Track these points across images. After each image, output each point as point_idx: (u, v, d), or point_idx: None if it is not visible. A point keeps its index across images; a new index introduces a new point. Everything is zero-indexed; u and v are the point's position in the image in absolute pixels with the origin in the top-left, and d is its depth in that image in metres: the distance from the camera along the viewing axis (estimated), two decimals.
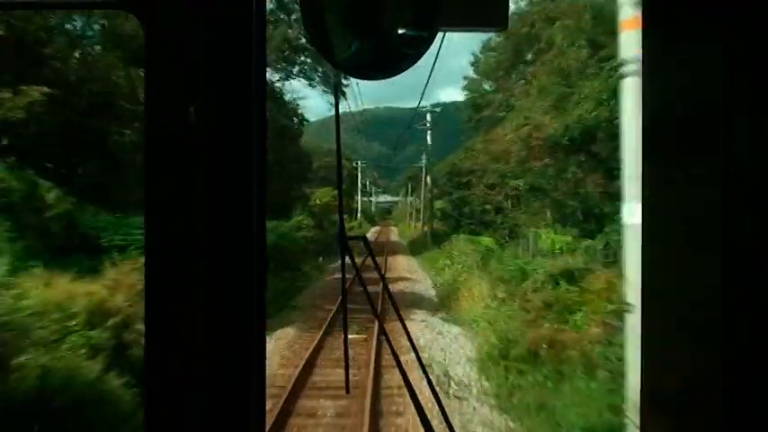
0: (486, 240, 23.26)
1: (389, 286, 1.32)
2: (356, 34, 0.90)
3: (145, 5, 0.89)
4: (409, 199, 60.96)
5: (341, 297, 1.10)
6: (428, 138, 34.37)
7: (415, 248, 31.17)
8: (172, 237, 0.89)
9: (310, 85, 27.31)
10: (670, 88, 0.93)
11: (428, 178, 33.88)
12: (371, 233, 52.26)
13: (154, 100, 0.90)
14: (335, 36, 0.89)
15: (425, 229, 36.24)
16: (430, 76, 16.43)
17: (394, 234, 54.42)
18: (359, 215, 59.50)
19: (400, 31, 0.90)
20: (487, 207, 28.42)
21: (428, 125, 34.15)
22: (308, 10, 0.90)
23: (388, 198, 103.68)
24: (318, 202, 32.06)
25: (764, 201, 0.80)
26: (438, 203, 35.29)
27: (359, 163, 64.13)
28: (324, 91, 27.74)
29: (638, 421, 0.93)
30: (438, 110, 34.72)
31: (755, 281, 0.80)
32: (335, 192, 32.46)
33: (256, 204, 0.90)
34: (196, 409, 0.88)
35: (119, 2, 1.02)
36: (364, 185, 77.40)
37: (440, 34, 0.96)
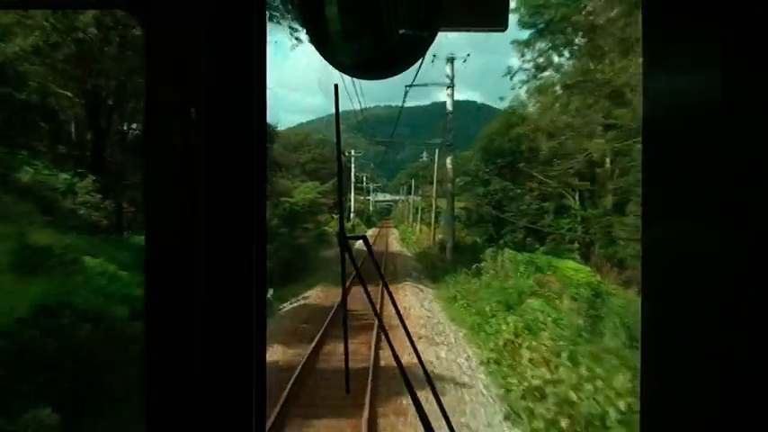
0: (578, 270, 11.70)
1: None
2: (356, 34, 0.93)
3: (145, 5, 0.93)
4: (412, 197, 50.86)
5: (341, 297, 1.13)
6: (448, 103, 22.34)
7: (430, 268, 19.79)
8: (172, 237, 0.92)
9: (271, 18, 16.53)
10: (670, 88, 0.95)
11: (448, 161, 21.90)
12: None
13: (154, 100, 0.93)
14: (336, 36, 0.94)
15: (440, 236, 26.80)
16: (418, 71, 14.60)
17: (395, 239, 46.53)
18: (352, 215, 50.42)
19: (400, 31, 0.93)
20: (546, 204, 16.67)
21: (451, 80, 21.71)
22: (308, 9, 0.94)
23: (388, 197, 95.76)
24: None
25: (765, 201, 0.82)
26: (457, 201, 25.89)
27: (353, 152, 54.75)
28: (291, 30, 18.51)
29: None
30: (466, 57, 22.68)
31: (756, 281, 0.81)
32: (323, 187, 29.90)
33: (256, 205, 0.94)
34: (197, 408, 0.92)
35: (119, 2, 1.07)
36: (359, 180, 66.08)
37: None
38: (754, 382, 0.80)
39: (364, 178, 73.42)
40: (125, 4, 0.96)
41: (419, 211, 46.58)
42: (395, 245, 38.87)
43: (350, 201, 52.68)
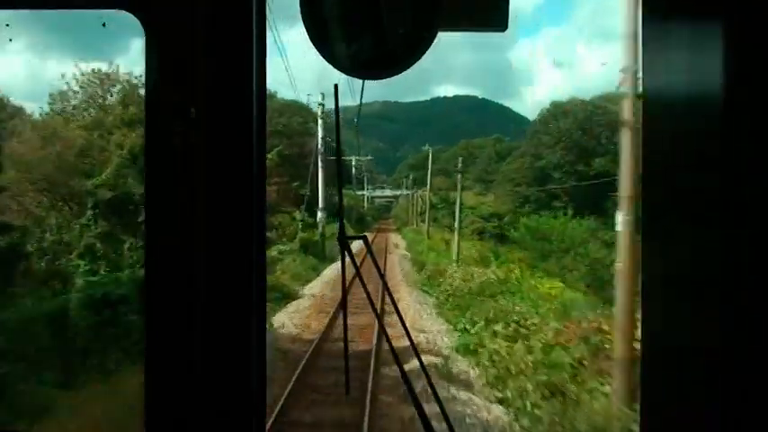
0: None
1: None
2: (357, 34, 1.15)
3: (145, 5, 1.13)
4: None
5: (341, 297, 1.44)
6: None
7: None
8: (172, 236, 1.13)
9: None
10: (670, 88, 1.16)
11: None
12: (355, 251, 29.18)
13: (154, 100, 1.14)
14: (336, 36, 1.15)
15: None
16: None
17: (398, 256, 34.12)
18: (320, 215, 36.12)
19: (400, 31, 1.15)
20: None
21: None
22: (309, 10, 1.14)
23: (387, 192, 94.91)
24: None
25: (765, 200, 1.01)
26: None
27: (320, 103, 38.43)
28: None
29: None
30: None
31: (756, 280, 1.00)
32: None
33: (256, 204, 1.14)
34: (197, 407, 1.11)
35: (119, 2, 1.23)
36: (344, 159, 59.99)
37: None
38: (754, 382, 1.00)
39: (353, 162, 69.24)
40: (125, 4, 1.19)
41: (454, 216, 32.78)
42: (400, 285, 21.67)
43: (317, 188, 36.98)
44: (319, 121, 38.01)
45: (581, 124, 50.47)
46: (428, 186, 48.31)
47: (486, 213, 53.35)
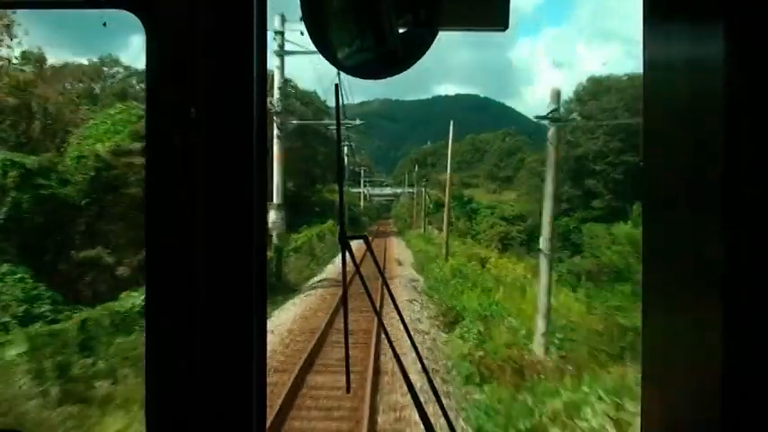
0: None
1: None
2: (357, 33, 1.25)
3: (145, 5, 1.25)
4: (426, 189, 48.70)
5: (341, 295, 1.74)
6: None
7: None
8: (172, 236, 1.26)
9: None
10: (670, 88, 1.29)
11: None
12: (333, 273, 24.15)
13: (154, 100, 1.26)
14: (336, 35, 1.27)
15: None
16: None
17: (404, 284, 23.97)
18: (273, 214, 25.05)
19: (401, 31, 1.26)
20: None
21: None
22: (309, 9, 1.25)
23: (387, 191, 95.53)
24: None
25: (765, 200, 1.12)
26: None
27: (278, 31, 26.47)
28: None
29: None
30: None
31: (756, 281, 1.12)
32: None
33: (256, 204, 1.27)
34: (197, 408, 1.24)
35: (119, 1, 1.35)
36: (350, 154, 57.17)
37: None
38: (754, 382, 1.12)
39: (346, 150, 64.71)
40: (125, 4, 1.32)
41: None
42: None
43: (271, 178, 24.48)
44: (276, 61, 26.35)
45: (628, 104, 46.54)
46: (447, 175, 38.66)
47: (508, 215, 51.57)
